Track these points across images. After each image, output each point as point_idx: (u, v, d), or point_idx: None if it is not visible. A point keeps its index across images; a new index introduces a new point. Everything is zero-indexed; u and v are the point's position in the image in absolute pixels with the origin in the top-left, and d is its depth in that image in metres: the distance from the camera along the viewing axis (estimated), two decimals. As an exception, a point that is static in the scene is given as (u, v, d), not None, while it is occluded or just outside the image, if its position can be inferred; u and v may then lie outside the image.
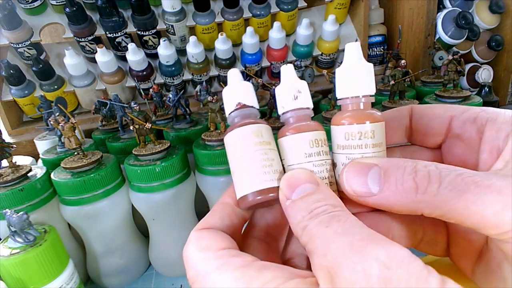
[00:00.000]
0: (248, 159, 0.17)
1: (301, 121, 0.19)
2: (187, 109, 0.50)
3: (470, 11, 0.69)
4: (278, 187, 0.17)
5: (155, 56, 0.63)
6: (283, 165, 0.18)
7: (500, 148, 0.16)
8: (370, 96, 0.18)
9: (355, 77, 0.18)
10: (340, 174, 0.17)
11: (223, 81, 0.67)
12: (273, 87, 0.43)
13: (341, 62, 0.19)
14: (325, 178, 0.18)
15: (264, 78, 0.73)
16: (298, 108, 0.19)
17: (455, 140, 0.19)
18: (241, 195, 0.18)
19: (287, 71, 0.20)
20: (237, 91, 0.19)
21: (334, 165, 0.19)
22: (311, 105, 0.19)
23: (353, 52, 0.18)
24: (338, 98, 0.19)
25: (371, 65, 0.18)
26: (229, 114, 0.19)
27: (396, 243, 0.12)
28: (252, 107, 0.19)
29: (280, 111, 0.20)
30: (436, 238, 0.20)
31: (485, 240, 0.17)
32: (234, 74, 0.20)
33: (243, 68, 0.66)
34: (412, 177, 0.15)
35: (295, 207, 0.15)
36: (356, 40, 0.66)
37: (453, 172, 0.14)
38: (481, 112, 0.18)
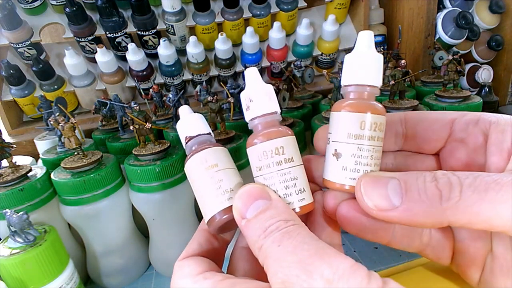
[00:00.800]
0: (202, 186, 0.18)
1: (269, 128, 0.18)
2: (187, 109, 0.50)
3: (470, 11, 0.69)
4: (231, 206, 0.17)
5: (155, 56, 0.63)
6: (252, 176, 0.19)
7: (510, 150, 0.16)
8: (375, 87, 0.18)
9: (363, 65, 0.18)
10: (356, 189, 0.16)
11: (223, 81, 0.67)
12: (273, 87, 0.43)
13: (351, 50, 0.18)
14: (289, 187, 0.18)
15: (264, 78, 0.73)
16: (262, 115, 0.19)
17: (458, 144, 0.19)
18: (207, 220, 0.18)
19: (249, 75, 0.19)
20: (184, 126, 0.21)
21: (337, 154, 0.18)
22: (269, 110, 0.19)
23: (366, 40, 0.18)
24: (343, 84, 0.19)
25: (381, 56, 0.18)
26: (184, 145, 0.21)
27: (341, 255, 0.13)
28: (198, 135, 0.20)
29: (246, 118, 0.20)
30: (444, 244, 0.19)
31: (490, 248, 0.17)
32: (182, 110, 0.22)
33: (243, 68, 0.66)
34: (434, 184, 0.14)
35: (251, 226, 0.16)
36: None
37: (471, 176, 0.14)
38: (482, 115, 0.18)
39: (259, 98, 0.19)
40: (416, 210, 0.14)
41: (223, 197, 0.18)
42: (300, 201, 0.17)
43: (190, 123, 0.21)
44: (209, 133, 0.20)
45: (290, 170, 0.18)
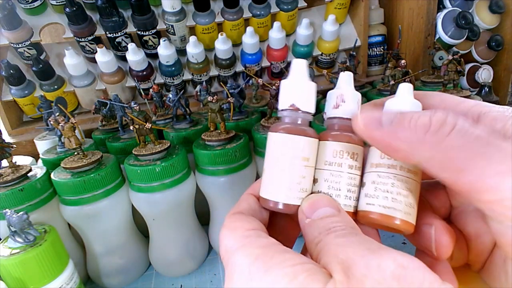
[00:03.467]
0: (283, 169, 0.18)
1: (343, 130, 0.19)
2: (187, 109, 0.50)
3: (470, 11, 0.69)
4: (298, 206, 0.18)
5: (155, 56, 0.63)
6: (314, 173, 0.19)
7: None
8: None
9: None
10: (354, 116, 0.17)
11: (223, 81, 0.67)
12: (273, 87, 0.43)
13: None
14: (350, 191, 0.18)
15: (264, 78, 0.73)
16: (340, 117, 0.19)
17: None
18: (264, 197, 0.18)
19: (344, 79, 0.19)
20: (296, 90, 0.18)
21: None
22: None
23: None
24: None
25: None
26: (281, 110, 0.19)
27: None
28: (306, 112, 0.19)
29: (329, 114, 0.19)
30: (461, 246, 0.18)
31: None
32: (299, 66, 0.19)
33: (243, 68, 0.66)
34: (429, 116, 0.14)
35: (313, 225, 0.16)
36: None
37: (470, 126, 0.13)
38: (475, 106, 0.17)
39: (351, 103, 0.19)
40: (400, 134, 0.14)
41: (297, 194, 0.18)
42: (354, 207, 0.18)
43: (307, 93, 0.18)
44: (313, 114, 0.19)
45: (356, 178, 0.18)
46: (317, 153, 0.19)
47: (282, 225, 0.20)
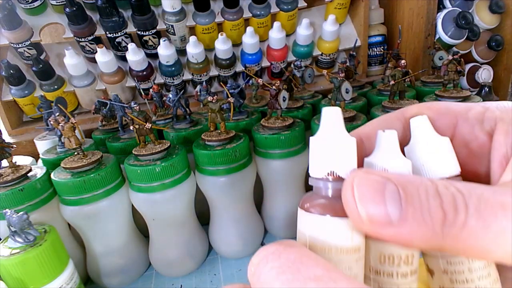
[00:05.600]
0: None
1: None
2: (187, 109, 0.50)
3: (470, 11, 0.69)
4: None
5: (155, 56, 0.63)
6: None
7: (509, 155, 0.14)
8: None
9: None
10: (345, 189, 0.13)
11: (223, 81, 0.67)
12: (273, 87, 0.43)
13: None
14: None
15: (264, 78, 0.73)
16: None
17: (461, 149, 0.17)
18: None
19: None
20: (335, 151, 0.14)
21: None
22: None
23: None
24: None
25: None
26: (315, 179, 0.14)
27: None
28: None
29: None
30: None
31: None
32: (334, 117, 0.14)
33: (243, 68, 0.66)
34: (439, 202, 0.11)
35: None
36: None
37: (474, 194, 0.11)
38: (488, 110, 0.15)
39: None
40: (415, 231, 0.12)
41: None
42: None
43: (349, 154, 0.14)
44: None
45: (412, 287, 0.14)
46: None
47: None
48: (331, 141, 0.14)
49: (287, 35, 0.67)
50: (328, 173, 0.14)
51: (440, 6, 0.70)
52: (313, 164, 0.14)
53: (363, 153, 0.17)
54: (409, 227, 0.12)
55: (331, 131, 0.14)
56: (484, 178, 0.17)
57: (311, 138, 0.14)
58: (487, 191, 0.12)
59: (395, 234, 0.12)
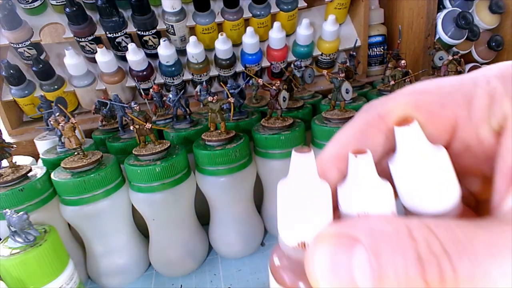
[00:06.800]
0: None
1: None
2: (187, 109, 0.50)
3: (470, 11, 0.69)
4: None
5: (155, 56, 0.63)
6: None
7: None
8: None
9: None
10: (305, 267, 0.11)
11: (223, 81, 0.67)
12: (273, 87, 0.43)
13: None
14: None
15: (264, 78, 0.73)
16: None
17: (463, 153, 0.14)
18: None
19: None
20: (308, 211, 0.12)
21: None
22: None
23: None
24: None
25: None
26: (286, 245, 0.13)
27: None
28: None
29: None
30: None
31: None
32: (305, 163, 0.12)
33: (243, 68, 0.66)
34: (420, 271, 0.10)
35: None
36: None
37: (465, 257, 0.10)
38: (495, 104, 0.12)
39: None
40: None
41: None
42: None
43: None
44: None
45: None
46: None
47: None
48: (302, 194, 0.12)
49: (287, 35, 0.67)
50: (299, 244, 0.13)
51: (440, 6, 0.70)
52: (283, 225, 0.13)
53: (337, 180, 0.14)
54: None
55: (301, 180, 0.12)
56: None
57: (279, 183, 0.13)
58: (467, 229, 0.10)
59: None
